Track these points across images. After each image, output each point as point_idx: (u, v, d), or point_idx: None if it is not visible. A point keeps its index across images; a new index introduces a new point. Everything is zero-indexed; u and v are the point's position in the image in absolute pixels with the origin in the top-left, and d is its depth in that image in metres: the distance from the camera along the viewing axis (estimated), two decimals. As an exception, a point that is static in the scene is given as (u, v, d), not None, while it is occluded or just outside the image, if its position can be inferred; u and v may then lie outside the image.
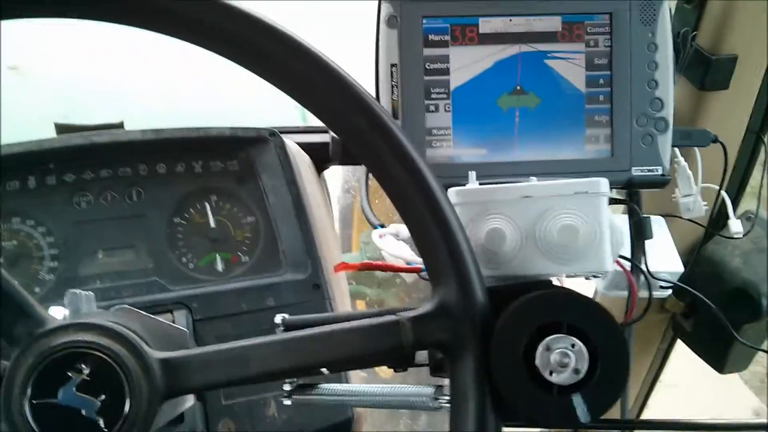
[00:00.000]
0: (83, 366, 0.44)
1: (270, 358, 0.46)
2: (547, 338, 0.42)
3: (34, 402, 0.43)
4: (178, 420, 0.73)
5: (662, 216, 0.99)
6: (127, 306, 0.56)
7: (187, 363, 0.46)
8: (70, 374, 0.44)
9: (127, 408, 0.44)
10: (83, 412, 0.44)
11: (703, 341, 1.13)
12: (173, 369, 0.45)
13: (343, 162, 1.04)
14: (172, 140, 0.91)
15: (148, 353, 0.45)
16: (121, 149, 0.91)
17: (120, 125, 0.95)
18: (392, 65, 0.75)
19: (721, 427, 0.61)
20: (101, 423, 0.44)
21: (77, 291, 0.55)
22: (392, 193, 0.46)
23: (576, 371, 0.42)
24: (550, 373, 0.42)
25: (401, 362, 0.60)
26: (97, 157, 0.91)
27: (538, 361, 0.42)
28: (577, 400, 0.41)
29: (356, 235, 1.99)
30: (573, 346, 0.42)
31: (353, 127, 0.46)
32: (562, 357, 0.41)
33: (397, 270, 0.63)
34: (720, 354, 1.09)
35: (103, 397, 0.44)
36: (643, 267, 0.80)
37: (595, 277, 0.53)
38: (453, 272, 0.44)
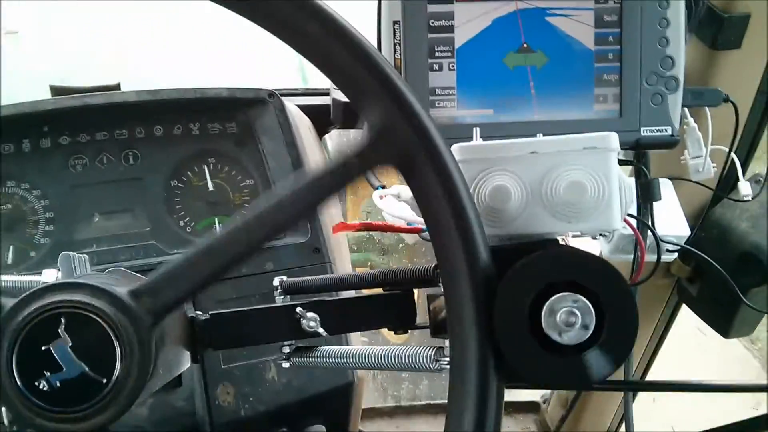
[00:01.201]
0: (62, 325, 0.43)
1: (231, 243, 0.44)
2: (552, 297, 0.40)
3: (23, 370, 0.42)
4: (176, 383, 0.73)
5: (670, 178, 0.97)
6: (121, 268, 0.54)
7: (156, 283, 0.44)
8: (51, 337, 0.43)
9: (118, 351, 0.42)
10: (77, 369, 0.43)
11: (709, 306, 1.12)
12: (146, 294, 0.44)
13: (344, 125, 1.03)
14: (169, 101, 0.90)
15: (115, 291, 0.43)
16: (116, 111, 0.89)
17: (116, 87, 0.93)
18: (395, 22, 0.73)
19: (724, 388, 0.60)
20: (98, 374, 0.42)
21: (70, 253, 0.53)
22: (393, 151, 0.44)
23: (584, 329, 0.40)
24: (559, 334, 0.40)
25: (401, 324, 0.59)
26: (93, 119, 0.89)
27: (544, 321, 0.40)
28: (589, 358, 0.40)
29: (350, 203, 1.97)
30: (577, 302, 0.40)
31: (357, 82, 0.44)
32: (569, 316, 0.40)
33: (397, 230, 0.61)
34: (725, 319, 1.08)
35: (91, 349, 0.42)
36: (652, 229, 0.78)
37: (602, 236, 0.51)
38: (455, 228, 0.42)
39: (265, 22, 0.45)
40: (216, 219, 0.89)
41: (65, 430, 0.42)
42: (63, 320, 0.42)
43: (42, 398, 0.42)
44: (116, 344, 0.42)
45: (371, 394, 1.86)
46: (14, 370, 0.42)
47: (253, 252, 0.45)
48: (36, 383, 0.42)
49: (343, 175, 0.44)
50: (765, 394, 0.62)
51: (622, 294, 0.41)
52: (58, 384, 0.42)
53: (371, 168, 0.44)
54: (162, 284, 0.45)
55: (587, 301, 0.40)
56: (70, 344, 0.42)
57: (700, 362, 2.00)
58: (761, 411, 0.62)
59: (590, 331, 0.40)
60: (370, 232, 2.01)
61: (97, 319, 0.42)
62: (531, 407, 1.76)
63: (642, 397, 1.69)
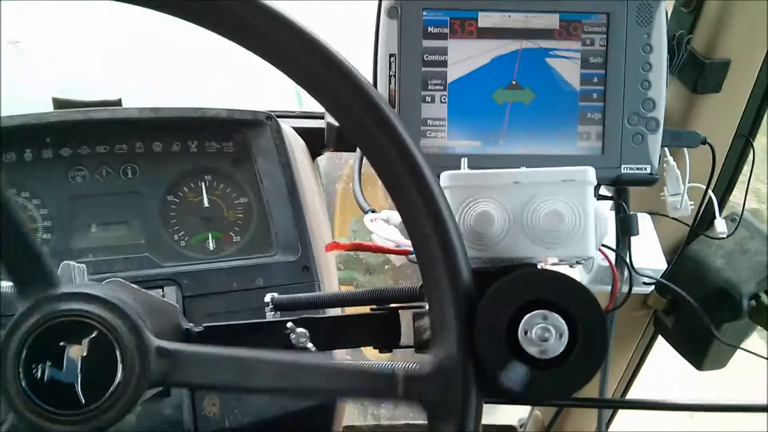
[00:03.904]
0: (79, 336, 0.45)
1: (268, 376, 0.47)
2: (528, 314, 0.44)
3: (29, 373, 0.44)
4: (165, 393, 0.74)
5: (648, 214, 1.00)
6: (120, 279, 0.57)
7: (183, 357, 0.47)
8: (64, 343, 0.45)
9: (114, 386, 0.45)
10: (71, 382, 0.45)
11: (683, 338, 1.15)
12: (169, 359, 0.46)
13: (337, 148, 1.06)
14: (169, 119, 0.92)
15: (147, 338, 0.46)
16: (118, 126, 0.92)
17: (118, 102, 0.96)
18: (391, 55, 0.76)
19: (703, 408, 0.63)
20: (82, 396, 0.45)
21: (70, 263, 0.55)
22: (386, 180, 0.47)
23: (558, 344, 0.43)
24: (536, 350, 0.43)
25: (387, 344, 0.62)
26: (94, 133, 0.91)
27: (520, 337, 0.43)
28: (564, 371, 0.43)
29: (338, 222, 1.99)
30: (549, 319, 0.44)
31: (350, 114, 0.47)
32: (543, 332, 0.43)
33: (386, 252, 0.64)
34: (699, 351, 1.11)
35: (94, 369, 0.45)
36: (628, 261, 0.82)
37: (578, 263, 0.55)
38: (439, 251, 0.45)
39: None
40: (210, 234, 0.92)
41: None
42: (71, 327, 0.45)
43: (46, 400, 0.45)
44: (117, 352, 0.45)
45: (351, 412, 1.87)
46: (20, 371, 0.44)
47: (272, 392, 0.48)
48: (39, 384, 0.45)
49: (383, 390, 0.47)
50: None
51: (592, 310, 0.44)
52: (60, 386, 0.45)
53: (412, 398, 0.46)
54: (189, 362, 0.47)
55: (560, 318, 0.43)
56: (76, 351, 0.45)
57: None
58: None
59: (564, 346, 0.43)
60: (356, 253, 2.03)
61: (102, 328, 0.45)
62: (508, 431, 1.78)
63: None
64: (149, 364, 0.46)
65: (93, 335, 0.45)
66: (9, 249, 0.46)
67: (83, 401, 0.45)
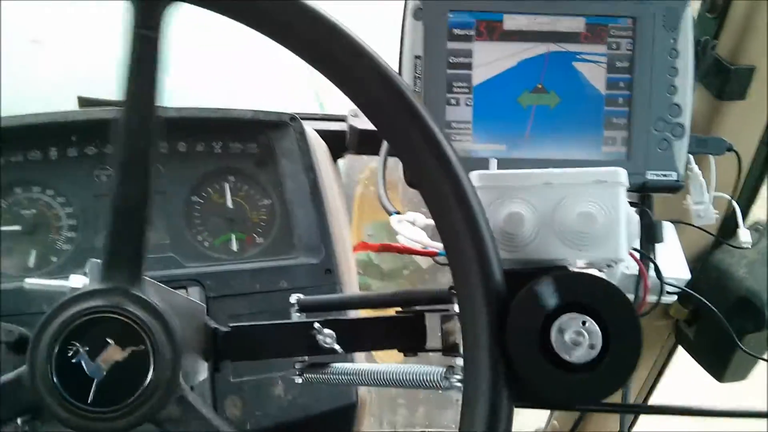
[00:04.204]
0: (114, 334, 0.46)
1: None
2: (561, 318, 0.43)
3: (60, 366, 0.45)
4: (188, 393, 0.74)
5: (672, 222, 1.00)
6: (147, 278, 0.57)
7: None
8: (89, 341, 0.45)
9: (143, 387, 0.46)
10: (100, 380, 0.45)
11: (705, 349, 1.13)
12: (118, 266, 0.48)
13: (359, 151, 1.06)
14: (194, 119, 0.93)
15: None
16: (143, 126, 0.92)
17: (142, 102, 0.96)
18: (416, 57, 0.76)
19: (728, 414, 0.62)
20: (122, 389, 0.45)
21: (98, 261, 0.56)
22: (419, 179, 0.48)
23: (591, 348, 0.43)
24: (569, 354, 0.43)
25: (412, 347, 0.62)
26: (120, 132, 0.92)
27: (553, 341, 0.43)
28: (597, 376, 0.43)
29: (355, 225, 1.99)
30: (585, 324, 0.43)
31: (385, 113, 0.47)
32: (577, 336, 0.43)
33: (414, 253, 0.64)
34: (720, 363, 1.10)
35: (125, 369, 0.45)
36: (655, 269, 0.81)
37: (609, 266, 0.54)
38: (472, 252, 0.45)
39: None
40: (233, 235, 0.92)
41: (96, 429, 0.45)
42: (104, 324, 0.45)
43: (71, 394, 0.45)
44: (150, 353, 0.45)
45: (366, 419, 1.86)
46: (53, 367, 0.45)
47: (148, 184, 0.50)
48: (68, 379, 0.45)
49: None
50: None
51: (626, 314, 0.43)
52: (94, 384, 0.45)
53: None
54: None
55: (593, 322, 0.43)
56: (108, 347, 0.45)
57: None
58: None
59: (597, 351, 0.43)
60: (369, 257, 2.04)
61: (136, 327, 0.45)
62: (526, 441, 1.76)
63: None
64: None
65: (128, 335, 0.45)
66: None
67: (118, 397, 0.45)
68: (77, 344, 0.45)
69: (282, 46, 0.48)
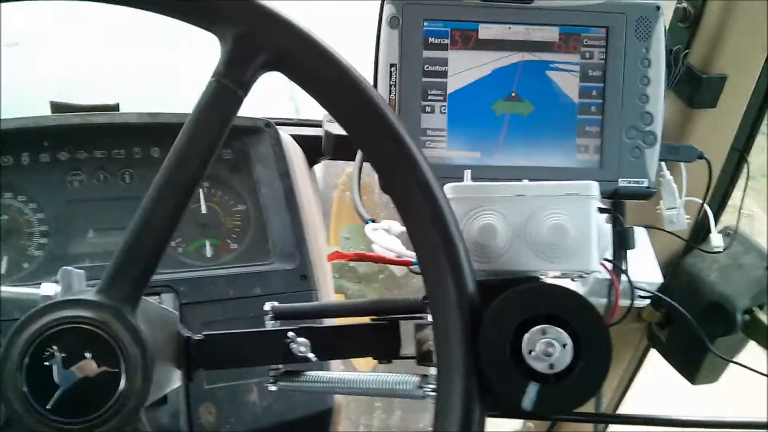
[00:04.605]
0: (78, 342, 0.45)
1: (159, 209, 0.49)
2: (532, 329, 0.44)
3: (32, 380, 0.44)
4: (161, 401, 0.74)
5: (644, 227, 1.01)
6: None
7: (113, 274, 0.48)
8: (63, 351, 0.45)
9: (116, 395, 0.45)
10: (73, 390, 0.45)
11: (677, 352, 1.15)
12: (111, 287, 0.48)
13: (335, 157, 1.06)
14: (168, 125, 0.92)
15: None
16: (116, 131, 0.92)
17: (115, 107, 0.95)
18: (391, 65, 0.76)
19: (701, 424, 0.63)
20: (98, 397, 0.45)
21: (70, 268, 0.55)
22: (392, 189, 0.48)
23: (562, 358, 0.43)
24: (540, 364, 0.44)
25: (387, 354, 0.62)
26: (92, 137, 0.91)
27: (524, 351, 0.44)
28: (567, 386, 0.43)
29: (333, 230, 1.99)
30: (554, 334, 0.44)
31: (357, 122, 0.48)
32: (547, 346, 0.43)
33: (388, 262, 0.64)
34: (693, 365, 1.12)
35: (96, 378, 0.45)
36: (626, 275, 0.82)
37: (581, 277, 0.55)
38: (446, 262, 0.45)
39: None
40: (207, 241, 0.91)
41: None
42: (73, 335, 0.45)
43: (44, 407, 0.44)
44: (121, 361, 0.45)
45: (343, 423, 1.86)
46: (24, 379, 0.44)
47: (182, 210, 0.49)
48: (40, 391, 0.44)
49: (225, 99, 0.48)
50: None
51: (595, 324, 0.44)
52: (62, 394, 0.45)
53: (245, 77, 0.47)
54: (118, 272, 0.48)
55: (564, 332, 0.44)
56: (78, 358, 0.45)
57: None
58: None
59: (568, 361, 0.44)
60: (347, 261, 2.03)
61: (106, 336, 0.45)
62: (503, 446, 1.78)
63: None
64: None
65: (97, 344, 0.45)
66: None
67: (85, 410, 0.44)
68: (54, 348, 0.45)
69: None
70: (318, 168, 1.15)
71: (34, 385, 0.44)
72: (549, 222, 0.52)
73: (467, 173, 0.60)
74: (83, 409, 0.45)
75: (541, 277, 0.53)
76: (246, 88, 0.48)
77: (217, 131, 0.48)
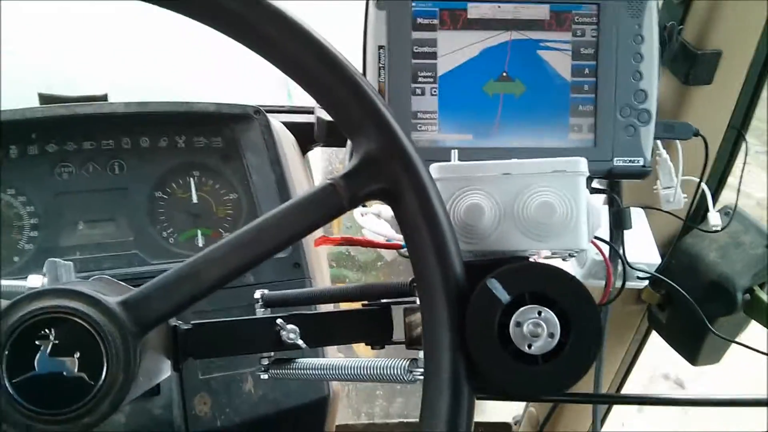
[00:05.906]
0: (51, 330, 0.44)
1: (219, 262, 0.47)
2: (520, 309, 0.43)
3: (12, 372, 0.44)
4: (154, 392, 0.73)
5: (642, 207, 1.00)
6: (105, 276, 0.56)
7: (145, 296, 0.47)
8: (40, 341, 0.44)
9: (105, 357, 0.44)
10: (64, 373, 0.44)
11: (678, 333, 1.14)
12: (135, 306, 0.46)
13: (327, 143, 1.05)
14: (156, 114, 0.91)
15: (106, 301, 0.45)
16: (104, 121, 0.91)
17: (104, 97, 0.94)
18: (380, 47, 0.75)
19: (699, 402, 0.62)
20: (85, 377, 0.44)
21: (56, 260, 0.55)
22: None
23: (551, 339, 0.43)
24: (528, 345, 0.43)
25: (378, 339, 0.61)
26: (80, 128, 0.90)
27: (512, 333, 0.43)
28: (556, 366, 0.42)
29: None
30: (542, 314, 0.43)
31: (342, 104, 0.47)
32: (535, 327, 0.42)
33: (376, 246, 0.63)
34: (693, 346, 1.11)
35: (78, 354, 0.44)
36: (621, 255, 0.81)
37: (571, 256, 0.54)
38: (431, 245, 0.44)
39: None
40: (198, 231, 0.91)
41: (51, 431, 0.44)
42: (53, 325, 0.44)
43: (29, 399, 0.44)
44: (103, 351, 0.44)
45: (344, 411, 1.86)
46: (4, 371, 0.43)
47: (237, 274, 0.48)
48: (24, 384, 0.44)
49: (331, 203, 0.46)
50: None
51: (584, 304, 0.43)
52: (46, 386, 0.44)
53: (358, 195, 0.46)
54: (150, 297, 0.47)
55: (552, 312, 0.43)
56: (59, 348, 0.44)
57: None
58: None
59: (556, 341, 0.43)
60: (348, 249, 2.03)
61: (86, 326, 0.44)
62: (502, 428, 1.77)
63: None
64: (120, 320, 0.45)
65: (77, 332, 0.44)
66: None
67: (70, 399, 0.44)
68: (38, 336, 0.44)
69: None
70: (318, 155, 1.14)
71: (16, 377, 0.44)
72: (536, 200, 0.51)
73: (454, 153, 0.59)
74: (65, 400, 0.44)
75: (532, 257, 0.52)
76: (352, 204, 0.47)
77: (305, 228, 0.47)
